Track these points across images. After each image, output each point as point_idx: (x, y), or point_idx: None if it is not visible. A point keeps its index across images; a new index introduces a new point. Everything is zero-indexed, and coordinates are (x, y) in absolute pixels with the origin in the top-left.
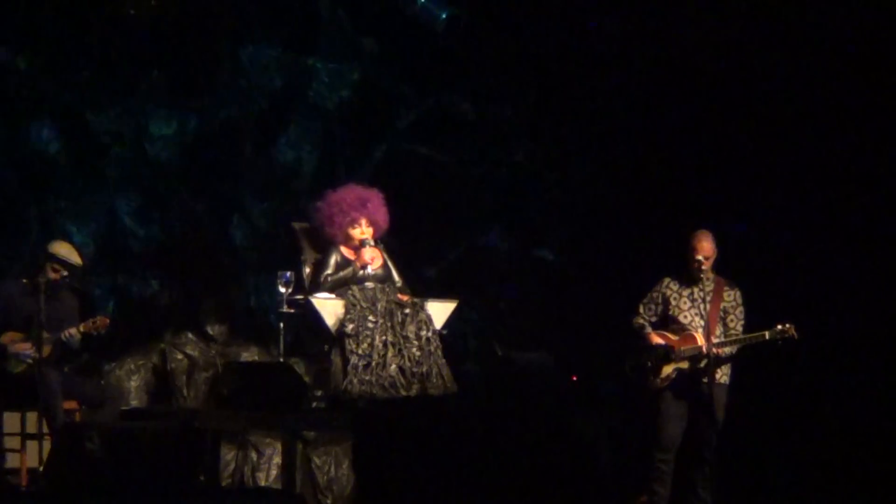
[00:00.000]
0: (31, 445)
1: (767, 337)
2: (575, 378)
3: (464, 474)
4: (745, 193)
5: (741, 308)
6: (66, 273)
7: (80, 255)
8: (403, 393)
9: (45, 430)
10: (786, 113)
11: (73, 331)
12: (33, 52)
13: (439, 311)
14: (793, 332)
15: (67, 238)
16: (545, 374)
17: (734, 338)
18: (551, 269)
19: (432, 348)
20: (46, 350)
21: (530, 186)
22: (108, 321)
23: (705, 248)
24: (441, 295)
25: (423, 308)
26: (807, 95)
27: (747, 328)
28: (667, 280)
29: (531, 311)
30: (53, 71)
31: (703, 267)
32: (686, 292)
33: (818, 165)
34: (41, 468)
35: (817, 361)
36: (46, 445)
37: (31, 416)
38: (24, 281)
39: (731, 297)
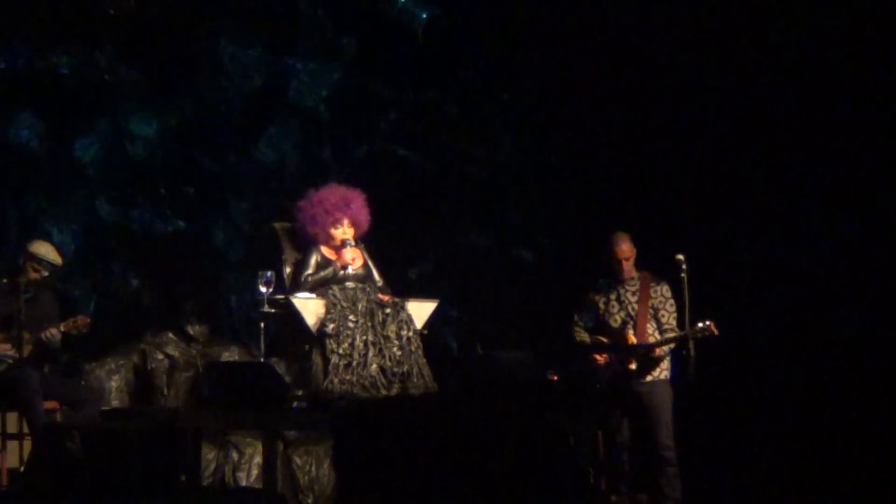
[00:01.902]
0: (12, 445)
1: (690, 336)
2: (555, 377)
3: (445, 473)
4: (715, 195)
5: (671, 301)
6: (46, 273)
7: (61, 254)
8: (384, 392)
9: (26, 430)
10: (759, 126)
11: (53, 330)
12: (13, 52)
13: (420, 311)
14: (713, 329)
15: (47, 238)
16: (525, 373)
17: (657, 340)
18: (531, 268)
19: (413, 348)
20: (27, 350)
21: (510, 187)
22: (88, 321)
23: (624, 249)
24: (421, 295)
25: (403, 308)
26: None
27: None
28: (593, 286)
29: (512, 310)
30: (33, 70)
31: (625, 267)
32: (613, 295)
33: (780, 173)
34: (21, 468)
35: (781, 358)
36: (27, 445)
37: (12, 416)
38: (4, 281)
39: (659, 292)
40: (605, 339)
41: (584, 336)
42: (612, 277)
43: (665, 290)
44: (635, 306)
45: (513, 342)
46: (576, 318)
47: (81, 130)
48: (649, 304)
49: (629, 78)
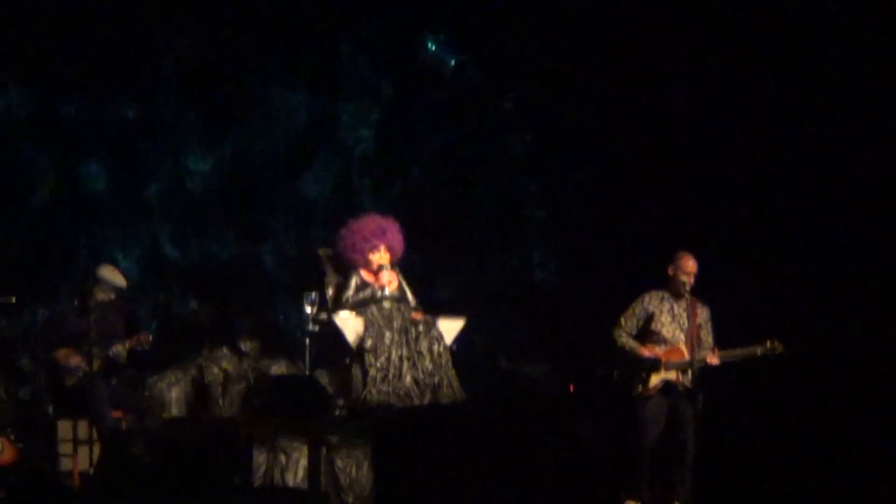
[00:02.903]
0: (83, 450)
1: (759, 353)
2: (572, 387)
3: (472, 474)
4: (720, 215)
5: (710, 323)
6: (112, 294)
7: (126, 278)
8: (417, 402)
9: (95, 436)
10: (767, 138)
11: (119, 347)
12: (83, 98)
13: (449, 328)
14: (780, 348)
15: (114, 263)
16: (545, 384)
17: (729, 352)
18: (550, 289)
19: (443, 361)
20: (96, 364)
21: (532, 216)
22: (150, 338)
23: (692, 267)
24: (451, 313)
25: (434, 325)
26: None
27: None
28: (648, 297)
29: (532, 327)
30: (101, 115)
31: (689, 284)
32: (667, 308)
33: (787, 185)
34: (91, 471)
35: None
36: (96, 451)
37: (83, 424)
38: (76, 302)
39: (703, 314)
40: (656, 348)
41: (629, 341)
42: (673, 292)
43: (707, 312)
44: (686, 322)
45: (532, 356)
46: (623, 322)
47: (145, 167)
48: (697, 322)
49: (640, 111)
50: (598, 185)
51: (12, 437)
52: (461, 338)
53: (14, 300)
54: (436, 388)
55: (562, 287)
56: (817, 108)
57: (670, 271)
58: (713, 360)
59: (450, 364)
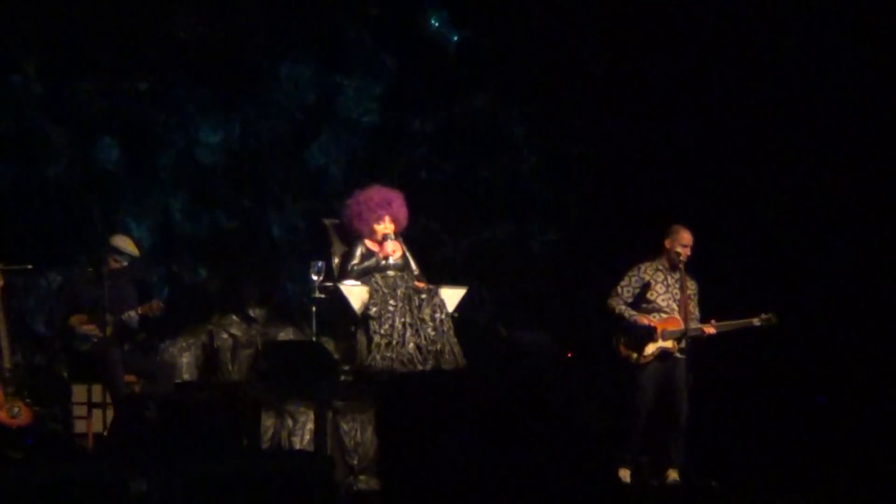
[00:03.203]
0: (97, 413)
1: (756, 323)
2: (570, 354)
3: (472, 438)
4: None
5: (697, 296)
6: (125, 263)
7: (138, 247)
8: (420, 368)
9: (109, 400)
10: (760, 117)
11: (132, 313)
12: (96, 75)
13: (451, 297)
14: (775, 320)
15: (127, 232)
16: (544, 351)
17: (725, 323)
18: (547, 258)
19: (445, 329)
20: (109, 330)
21: (529, 186)
22: (162, 305)
23: (688, 239)
24: (453, 282)
25: (437, 294)
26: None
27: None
28: (644, 266)
29: (531, 295)
30: (115, 90)
31: (684, 255)
32: (661, 278)
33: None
34: (105, 433)
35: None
36: (109, 413)
37: (97, 388)
38: (90, 270)
39: (693, 287)
40: (653, 319)
41: (626, 310)
42: (669, 263)
43: (695, 285)
44: (678, 294)
45: (531, 323)
46: (619, 290)
47: (157, 141)
48: (687, 293)
49: (634, 90)
50: (594, 158)
51: (29, 401)
52: (462, 306)
53: (30, 268)
54: (438, 355)
55: (558, 257)
56: (808, 87)
57: (667, 244)
58: (709, 329)
59: (451, 331)
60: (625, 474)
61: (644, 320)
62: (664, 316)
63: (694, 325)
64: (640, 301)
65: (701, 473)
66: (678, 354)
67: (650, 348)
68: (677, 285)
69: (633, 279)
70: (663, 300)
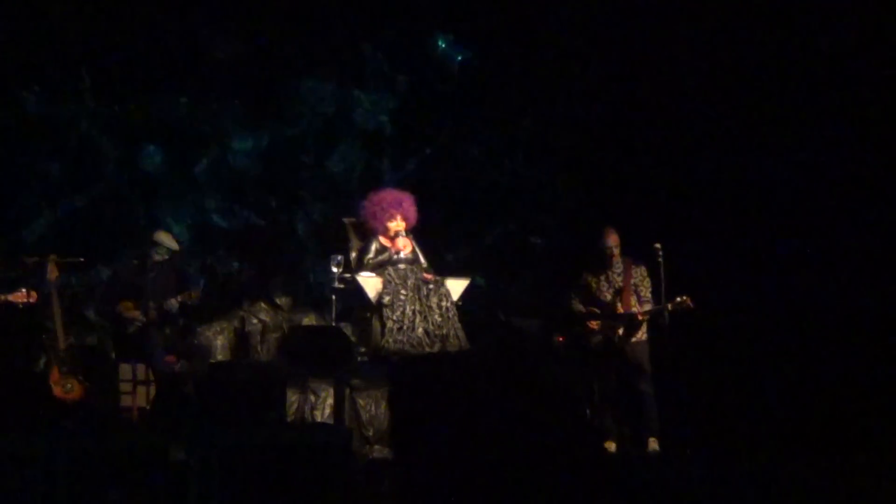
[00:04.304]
0: (141, 389)
1: (670, 308)
2: (560, 339)
3: (474, 411)
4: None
5: (648, 279)
6: (166, 256)
7: (178, 242)
8: (428, 350)
9: (151, 377)
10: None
11: (172, 301)
12: (143, 90)
13: (455, 287)
14: (689, 303)
15: (168, 229)
16: (537, 336)
17: (649, 308)
18: (541, 253)
19: (450, 315)
20: (152, 315)
21: (525, 190)
22: (199, 293)
23: (612, 240)
24: (457, 274)
25: (443, 284)
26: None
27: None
28: (584, 273)
29: (526, 286)
30: (158, 104)
31: (613, 254)
32: (602, 276)
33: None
34: (148, 407)
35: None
36: (152, 390)
37: (141, 367)
38: (135, 262)
39: (639, 273)
40: (596, 311)
41: (580, 307)
42: (603, 262)
43: (643, 270)
44: (621, 284)
45: (526, 311)
46: (572, 294)
47: (195, 148)
48: (632, 281)
49: (624, 98)
50: (582, 167)
51: (80, 378)
52: (466, 295)
53: (82, 260)
54: (444, 339)
55: (552, 252)
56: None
57: (597, 245)
58: (640, 314)
59: (456, 318)
60: (610, 445)
61: (588, 313)
62: (607, 306)
63: (631, 311)
64: (590, 300)
65: (680, 442)
66: (625, 338)
67: (596, 337)
68: (619, 277)
69: (580, 285)
70: (607, 296)
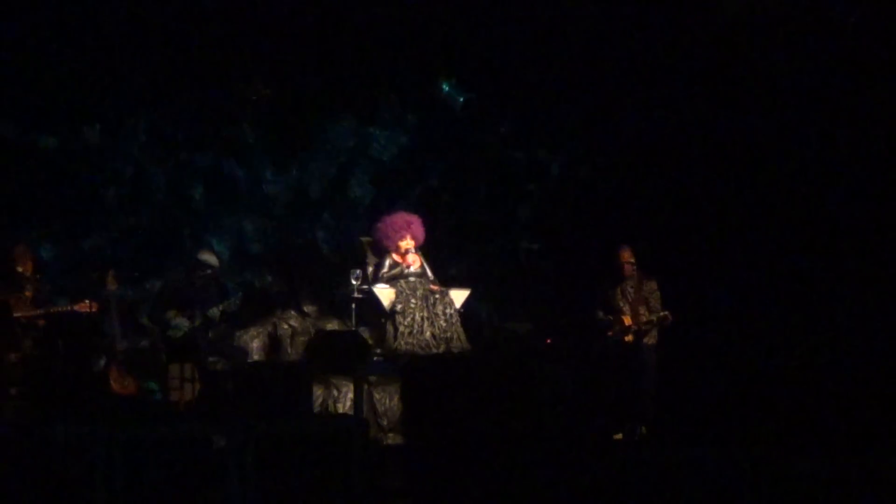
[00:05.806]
0: (188, 386)
1: (655, 321)
2: (549, 341)
3: (475, 405)
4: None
5: (657, 293)
6: (209, 271)
7: (219, 259)
8: (434, 351)
9: (197, 376)
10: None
11: (214, 310)
12: (189, 127)
13: (458, 296)
14: (668, 318)
15: (211, 248)
16: (528, 338)
17: (644, 321)
18: (533, 266)
19: (454, 321)
20: (197, 322)
21: (519, 212)
22: (237, 303)
23: (628, 257)
24: (459, 285)
25: (447, 294)
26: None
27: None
28: (604, 285)
29: (520, 295)
30: (202, 139)
31: (627, 269)
32: (619, 288)
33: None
34: (194, 401)
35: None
36: (197, 387)
37: (188, 367)
38: (183, 276)
39: (649, 286)
40: (611, 318)
41: (601, 315)
42: (619, 276)
43: (653, 284)
44: (633, 296)
45: (520, 316)
46: (598, 307)
47: (233, 178)
48: (642, 294)
49: (616, 117)
50: (571, 187)
51: (135, 376)
52: (467, 303)
53: (137, 275)
54: (448, 341)
55: (542, 265)
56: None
57: (615, 261)
58: (643, 324)
59: (459, 323)
60: (618, 437)
61: (607, 321)
62: (623, 316)
63: (638, 321)
64: (610, 308)
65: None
66: (635, 343)
67: (612, 341)
68: (632, 290)
69: (602, 294)
70: (622, 305)
